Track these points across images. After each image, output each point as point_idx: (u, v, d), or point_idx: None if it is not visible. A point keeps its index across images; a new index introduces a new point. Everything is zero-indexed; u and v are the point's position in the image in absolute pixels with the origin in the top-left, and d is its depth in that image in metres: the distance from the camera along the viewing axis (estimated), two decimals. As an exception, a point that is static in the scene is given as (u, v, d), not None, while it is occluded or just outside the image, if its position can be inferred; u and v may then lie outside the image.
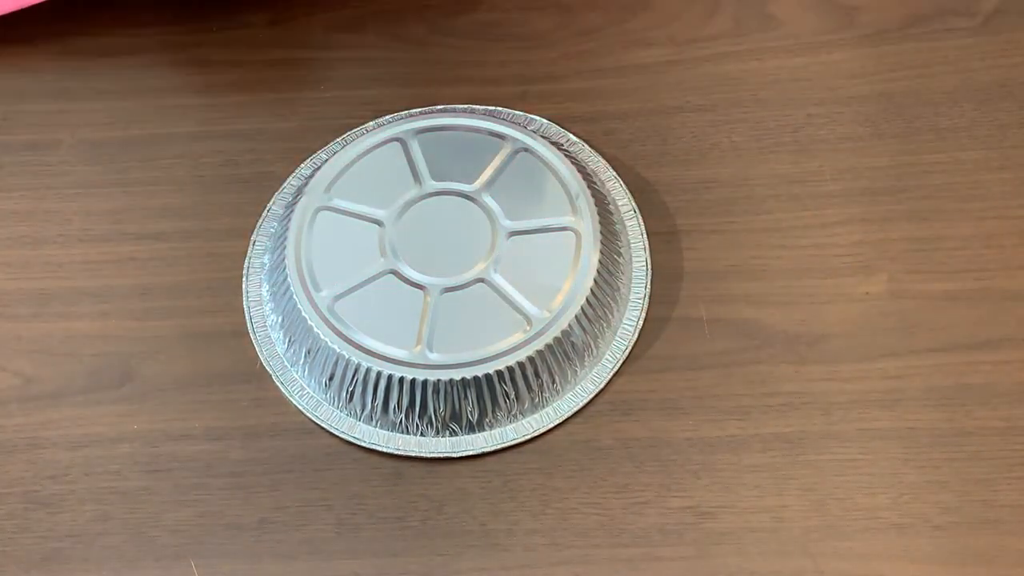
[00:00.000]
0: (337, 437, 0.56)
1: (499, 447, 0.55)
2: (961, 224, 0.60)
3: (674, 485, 0.54)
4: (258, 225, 0.62)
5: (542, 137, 0.61)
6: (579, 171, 0.60)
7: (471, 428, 0.55)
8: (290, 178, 0.64)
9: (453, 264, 0.57)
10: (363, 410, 0.55)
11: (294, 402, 0.57)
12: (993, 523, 0.52)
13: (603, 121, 0.65)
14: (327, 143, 0.64)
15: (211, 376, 0.58)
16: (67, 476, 0.56)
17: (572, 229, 0.58)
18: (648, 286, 0.59)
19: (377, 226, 0.58)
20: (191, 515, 0.54)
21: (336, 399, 0.56)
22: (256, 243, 0.61)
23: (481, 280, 0.56)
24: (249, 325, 0.59)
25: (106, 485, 0.55)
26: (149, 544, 0.54)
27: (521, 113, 0.65)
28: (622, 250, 0.59)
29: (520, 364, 0.54)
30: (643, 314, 0.58)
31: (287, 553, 0.53)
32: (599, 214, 0.58)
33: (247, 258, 0.61)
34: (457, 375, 0.54)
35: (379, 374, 0.54)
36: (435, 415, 0.55)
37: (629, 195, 0.62)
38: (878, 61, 0.66)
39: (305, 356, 0.56)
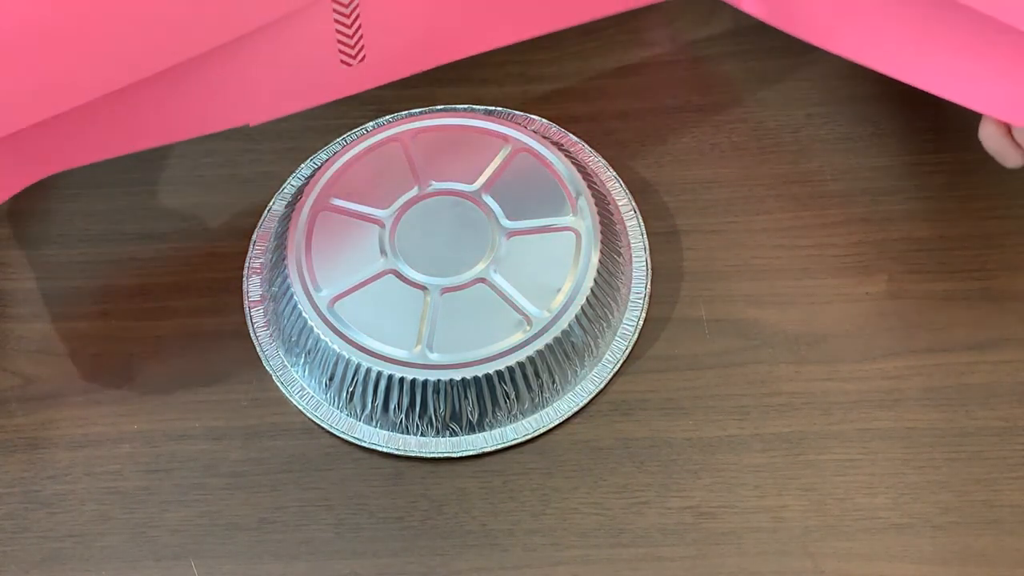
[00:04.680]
0: (337, 437, 0.56)
1: (499, 447, 0.55)
2: (961, 224, 0.60)
3: (674, 485, 0.54)
4: (258, 225, 0.62)
5: (542, 137, 0.61)
6: (579, 171, 0.60)
7: (471, 428, 0.55)
8: (290, 178, 0.64)
9: (453, 264, 0.57)
10: (363, 410, 0.55)
11: (294, 402, 0.57)
12: (993, 523, 0.52)
13: (603, 121, 0.65)
14: (327, 143, 0.64)
15: (211, 376, 0.58)
16: (67, 476, 0.56)
17: (572, 229, 0.58)
18: (648, 286, 0.59)
19: (377, 226, 0.58)
20: (191, 515, 0.54)
21: (336, 399, 0.56)
22: (256, 243, 0.61)
23: (481, 280, 0.56)
24: (249, 325, 0.59)
25: (106, 485, 0.55)
26: (149, 544, 0.54)
27: (521, 113, 0.65)
28: (622, 250, 0.59)
29: (520, 364, 0.54)
30: (643, 314, 0.58)
31: (287, 553, 0.53)
32: (599, 214, 0.58)
33: (247, 258, 0.61)
34: (457, 375, 0.54)
35: (379, 374, 0.54)
36: (435, 415, 0.55)
37: (629, 195, 0.62)
38: (878, 61, 0.66)
39: (305, 356, 0.56)
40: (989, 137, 0.52)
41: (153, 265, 0.62)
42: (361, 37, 0.57)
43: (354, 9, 0.55)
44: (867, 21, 0.54)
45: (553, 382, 0.56)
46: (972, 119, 0.63)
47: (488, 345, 0.54)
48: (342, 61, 0.58)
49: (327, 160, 0.61)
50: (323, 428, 0.56)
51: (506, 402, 0.55)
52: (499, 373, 0.54)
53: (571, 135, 0.64)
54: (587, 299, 0.56)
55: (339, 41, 0.57)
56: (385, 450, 0.55)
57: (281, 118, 0.66)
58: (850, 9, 0.55)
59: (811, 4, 0.57)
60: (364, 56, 0.57)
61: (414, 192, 0.59)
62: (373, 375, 0.54)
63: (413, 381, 0.54)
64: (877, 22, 0.53)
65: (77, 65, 0.49)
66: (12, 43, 0.46)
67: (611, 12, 0.64)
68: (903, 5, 0.51)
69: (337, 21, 0.56)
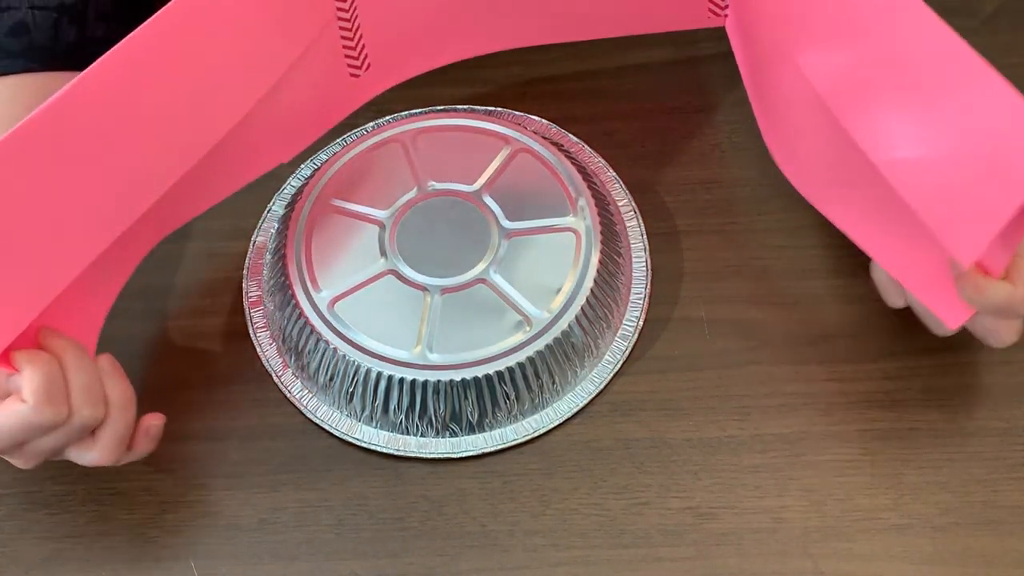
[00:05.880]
0: (337, 437, 0.56)
1: (499, 448, 0.55)
2: (961, 224, 0.60)
3: (674, 485, 0.54)
4: (258, 225, 0.62)
5: (542, 137, 0.61)
6: (579, 171, 0.60)
7: (471, 429, 0.55)
8: (290, 178, 0.64)
9: (453, 264, 0.57)
10: (363, 411, 0.55)
11: (294, 402, 0.57)
12: (993, 523, 0.52)
13: (603, 121, 0.65)
14: (327, 143, 0.64)
15: (211, 376, 0.58)
16: (67, 476, 0.55)
17: (572, 229, 0.58)
18: (648, 286, 0.59)
19: (377, 226, 0.58)
20: (191, 515, 0.54)
21: (336, 399, 0.56)
22: (256, 243, 0.61)
23: (481, 280, 0.56)
24: (249, 325, 0.59)
25: (106, 485, 0.55)
26: (149, 544, 0.54)
27: (521, 113, 0.65)
28: (622, 250, 0.59)
29: (520, 365, 0.54)
30: (643, 314, 0.58)
31: (287, 553, 0.53)
32: (599, 214, 0.58)
33: (247, 258, 0.61)
34: (457, 376, 0.54)
35: (379, 374, 0.54)
36: (435, 416, 0.55)
37: (629, 195, 0.62)
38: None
39: (305, 356, 0.56)
40: (880, 277, 0.53)
41: (153, 265, 0.61)
42: (364, 46, 0.57)
43: (355, 18, 0.56)
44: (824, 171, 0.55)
45: (553, 383, 0.55)
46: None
47: (488, 345, 0.54)
48: (351, 74, 0.58)
49: (327, 160, 0.61)
50: (323, 428, 0.56)
51: (506, 403, 0.55)
52: (499, 374, 0.54)
53: (571, 135, 0.64)
54: (587, 299, 0.56)
55: (346, 55, 0.57)
56: (385, 451, 0.55)
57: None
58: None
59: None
60: (369, 64, 0.58)
61: (414, 192, 0.59)
62: (373, 375, 0.54)
63: (413, 382, 0.54)
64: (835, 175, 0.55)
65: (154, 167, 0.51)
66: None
67: (614, 35, 0.65)
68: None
69: (343, 36, 0.56)
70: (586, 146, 0.64)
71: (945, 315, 0.49)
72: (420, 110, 0.65)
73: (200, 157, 0.52)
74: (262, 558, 0.53)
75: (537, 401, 0.56)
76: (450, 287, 0.56)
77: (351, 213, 0.59)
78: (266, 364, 0.58)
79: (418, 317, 0.55)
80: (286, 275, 0.57)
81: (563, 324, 0.55)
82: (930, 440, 0.54)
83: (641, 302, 0.59)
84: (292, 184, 0.63)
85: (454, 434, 0.55)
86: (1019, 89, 0.65)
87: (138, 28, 0.46)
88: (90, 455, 0.49)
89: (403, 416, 0.55)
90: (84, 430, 0.48)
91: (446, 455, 0.55)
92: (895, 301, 0.53)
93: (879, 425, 0.55)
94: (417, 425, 0.55)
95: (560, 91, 0.66)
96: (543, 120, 0.65)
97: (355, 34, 0.56)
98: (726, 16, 0.63)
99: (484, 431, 0.55)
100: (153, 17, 0.47)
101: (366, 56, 0.57)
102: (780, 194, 0.62)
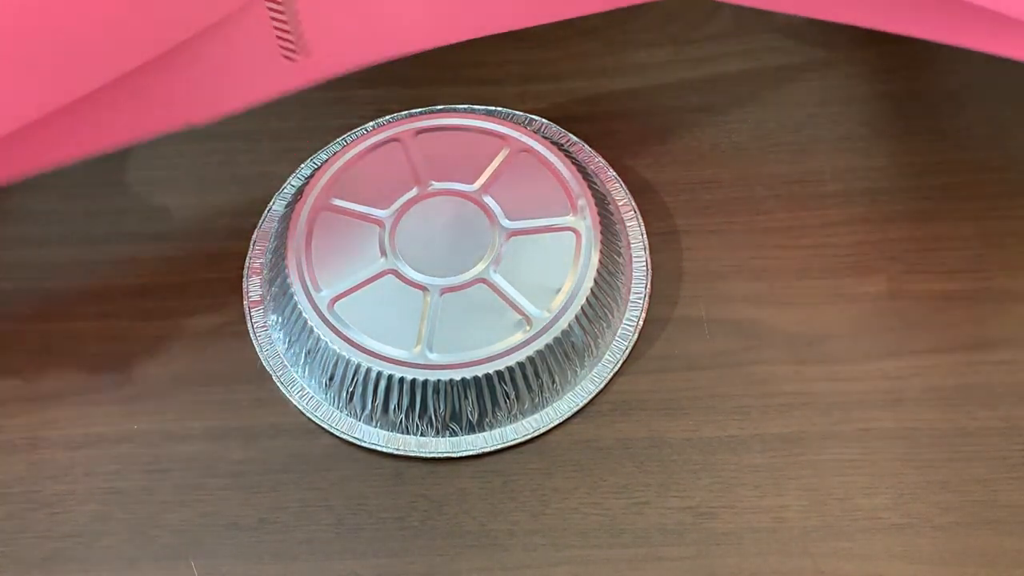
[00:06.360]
0: (337, 437, 0.56)
1: (499, 447, 0.55)
2: (961, 224, 0.60)
3: (674, 485, 0.54)
4: (258, 225, 0.62)
5: (542, 137, 0.61)
6: (579, 171, 0.60)
7: (471, 428, 0.55)
8: (290, 178, 0.64)
9: (453, 264, 0.57)
10: (363, 410, 0.55)
11: (294, 402, 0.57)
12: (993, 523, 0.52)
13: (603, 121, 0.65)
14: (327, 143, 0.64)
15: (211, 376, 0.58)
16: (67, 476, 0.55)
17: (572, 229, 0.58)
18: (648, 286, 0.59)
19: (377, 226, 0.58)
20: (191, 515, 0.54)
21: (336, 399, 0.56)
22: (256, 243, 0.61)
23: (481, 280, 0.56)
24: (249, 325, 0.59)
25: (106, 485, 0.55)
26: (149, 544, 0.54)
27: (521, 113, 0.65)
28: (622, 250, 0.59)
29: (520, 364, 0.54)
30: (643, 314, 0.58)
31: (287, 553, 0.53)
32: (599, 214, 0.58)
33: (247, 258, 0.61)
34: (457, 375, 0.54)
35: (379, 374, 0.54)
36: (435, 415, 0.55)
37: (629, 195, 0.62)
38: (878, 61, 0.66)
39: (305, 356, 0.56)
40: None
41: (153, 265, 0.62)
42: (303, 33, 0.56)
43: (291, 4, 0.55)
44: None
45: (553, 382, 0.56)
46: (971, 119, 0.64)
47: (488, 345, 0.54)
48: (285, 56, 0.57)
49: (327, 160, 0.61)
50: (323, 428, 0.56)
51: (506, 402, 0.55)
52: (499, 373, 0.54)
53: (571, 135, 0.64)
54: (587, 299, 0.56)
55: (279, 37, 0.56)
56: (385, 450, 0.55)
57: (281, 118, 0.66)
58: None
59: None
60: (310, 51, 0.57)
61: (414, 192, 0.59)
62: (373, 375, 0.54)
63: (413, 381, 0.54)
64: None
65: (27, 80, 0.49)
66: None
67: (586, 12, 0.62)
68: None
69: (274, 18, 0.55)
70: (586, 146, 0.64)
71: None
72: (420, 110, 0.65)
73: (107, 80, 0.50)
74: (262, 558, 0.53)
75: (537, 401, 0.56)
76: (450, 287, 0.56)
77: (351, 213, 0.59)
78: (266, 364, 0.58)
79: (418, 317, 0.55)
80: (286, 275, 0.57)
81: (563, 324, 0.55)
82: (930, 440, 0.54)
83: (641, 302, 0.59)
84: (292, 184, 0.63)
85: (454, 433, 0.55)
86: (1020, 89, 0.65)
87: None
88: None
89: (403, 416, 0.55)
90: None
91: (446, 455, 0.55)
92: None
93: (879, 425, 0.55)
94: (417, 425, 0.55)
95: (560, 91, 0.66)
96: (543, 120, 0.65)
97: (291, 18, 0.55)
98: None
99: (484, 431, 0.55)
100: None
101: (305, 43, 0.56)
102: (780, 194, 0.62)
